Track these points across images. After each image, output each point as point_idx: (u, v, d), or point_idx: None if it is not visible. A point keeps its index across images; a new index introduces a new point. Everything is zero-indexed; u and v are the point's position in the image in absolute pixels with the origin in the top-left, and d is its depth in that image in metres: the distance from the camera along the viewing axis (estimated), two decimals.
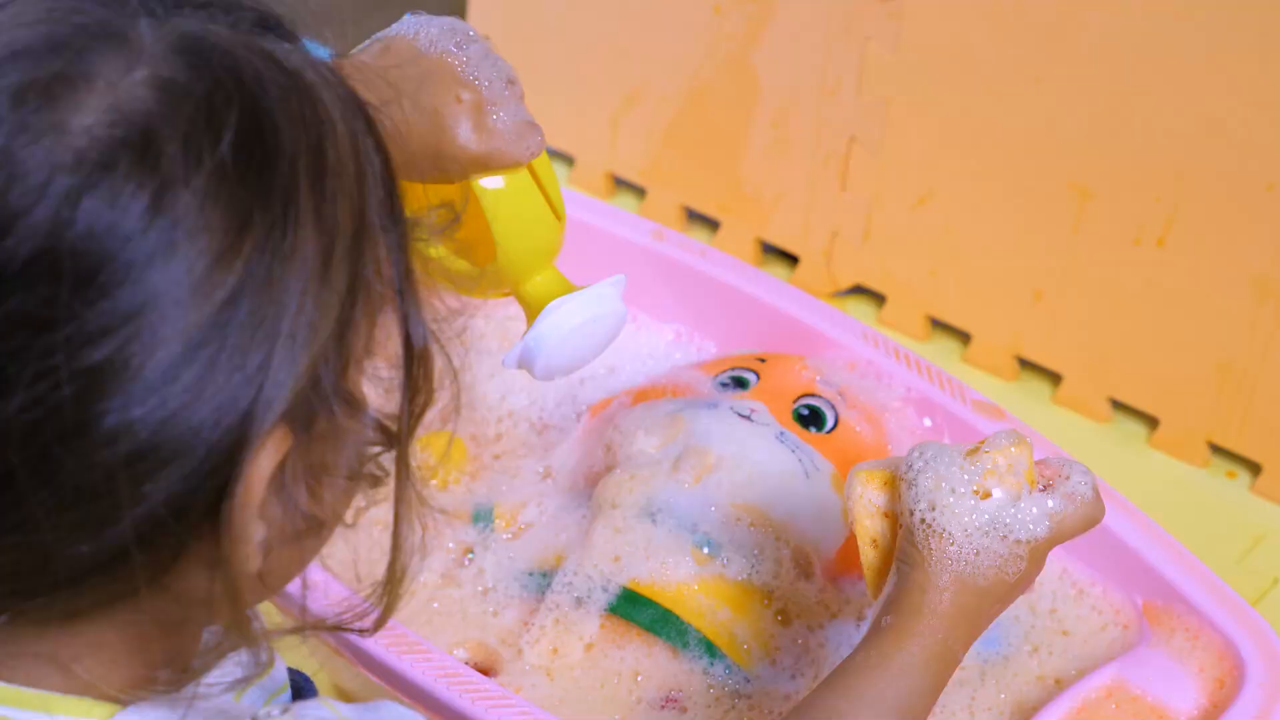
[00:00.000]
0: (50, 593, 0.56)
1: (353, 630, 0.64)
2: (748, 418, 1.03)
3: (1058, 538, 0.81)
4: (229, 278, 0.53)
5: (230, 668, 0.61)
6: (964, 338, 1.32)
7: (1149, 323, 1.21)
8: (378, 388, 0.61)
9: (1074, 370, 1.27)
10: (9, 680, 0.59)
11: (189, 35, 0.56)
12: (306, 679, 0.73)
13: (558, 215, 0.92)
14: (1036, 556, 0.81)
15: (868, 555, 0.84)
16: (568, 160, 1.48)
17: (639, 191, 1.47)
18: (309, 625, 0.63)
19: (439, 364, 0.62)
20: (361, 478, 0.61)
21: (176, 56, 0.55)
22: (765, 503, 1.00)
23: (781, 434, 1.02)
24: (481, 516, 1.06)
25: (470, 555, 1.04)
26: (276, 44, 0.58)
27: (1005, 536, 0.80)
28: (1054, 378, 1.29)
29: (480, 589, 1.02)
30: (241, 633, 0.58)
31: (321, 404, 0.56)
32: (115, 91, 0.53)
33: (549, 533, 1.03)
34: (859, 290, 1.37)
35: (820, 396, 1.07)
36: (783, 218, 1.37)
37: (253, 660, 0.59)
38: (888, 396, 1.09)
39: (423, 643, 0.92)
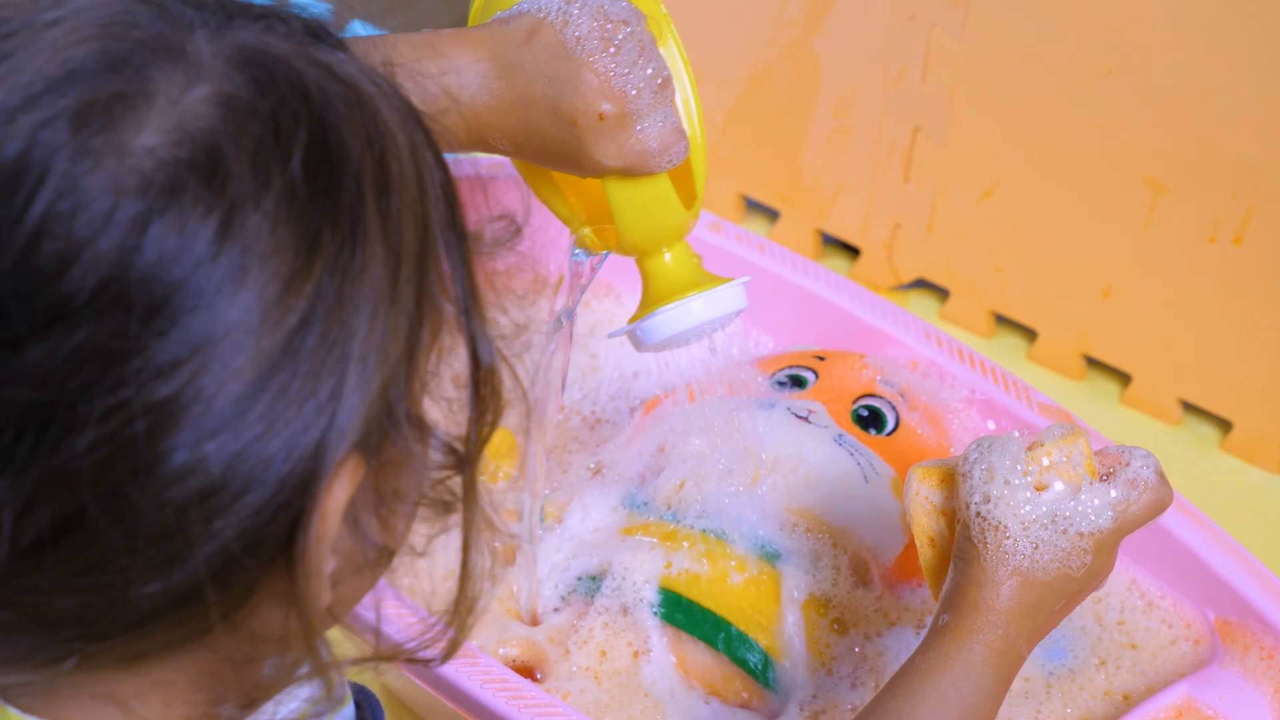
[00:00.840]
0: (119, 635, 0.53)
1: (420, 661, 0.61)
2: (805, 419, 1.00)
3: (1124, 528, 0.78)
4: (300, 302, 0.51)
5: (292, 694, 0.59)
6: (1030, 335, 1.29)
7: (1223, 322, 1.17)
8: (441, 408, 0.59)
9: (1144, 370, 1.23)
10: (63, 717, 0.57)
11: (247, 48, 0.53)
12: (368, 694, 0.70)
13: (695, 197, 0.89)
14: (1103, 549, 0.78)
15: (926, 555, 0.81)
16: None
17: None
18: (379, 657, 0.61)
19: (506, 381, 0.60)
20: (429, 503, 0.59)
21: (237, 71, 0.52)
22: (822, 507, 0.97)
23: (840, 436, 0.99)
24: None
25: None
26: (331, 54, 0.56)
27: (1066, 530, 0.76)
28: (1123, 378, 1.25)
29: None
30: (317, 669, 0.56)
31: (393, 429, 0.55)
32: (177, 110, 0.51)
33: (598, 534, 1.01)
34: (921, 284, 1.33)
35: (880, 397, 1.04)
36: (844, 209, 1.33)
37: (324, 694, 0.58)
38: (950, 397, 1.06)
39: (469, 646, 0.90)
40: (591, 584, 0.97)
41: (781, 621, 0.94)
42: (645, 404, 1.09)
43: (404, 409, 0.55)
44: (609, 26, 0.82)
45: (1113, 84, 1.14)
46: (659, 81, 0.83)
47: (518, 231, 0.80)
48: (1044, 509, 0.77)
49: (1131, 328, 1.22)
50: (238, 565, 0.52)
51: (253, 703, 0.58)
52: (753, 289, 1.16)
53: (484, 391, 0.59)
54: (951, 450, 1.04)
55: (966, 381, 1.06)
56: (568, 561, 0.99)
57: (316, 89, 0.53)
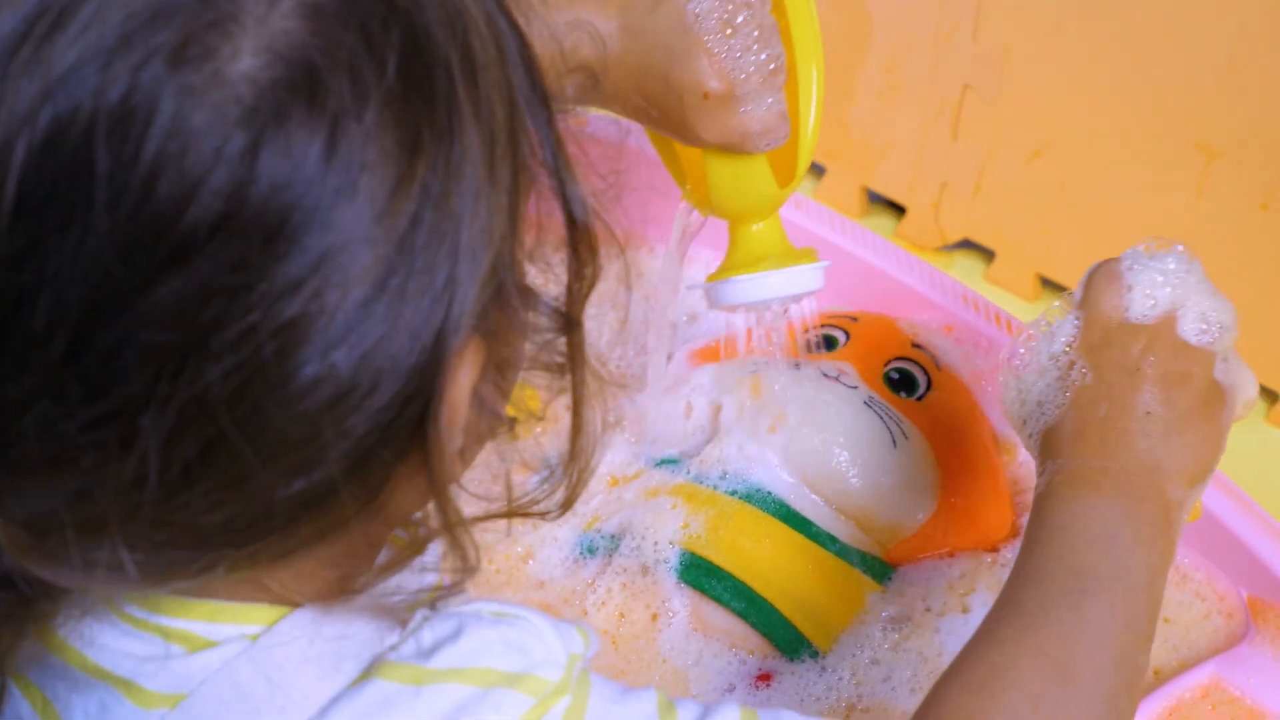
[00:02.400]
0: (266, 538, 0.55)
1: (539, 515, 0.63)
2: (835, 379, 0.99)
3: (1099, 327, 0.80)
4: (408, 203, 0.52)
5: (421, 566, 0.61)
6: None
7: (1273, 292, 1.14)
8: (541, 270, 0.60)
9: None
10: (187, 595, 0.59)
11: None
12: None
13: (794, 176, 0.90)
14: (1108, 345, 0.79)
15: None
16: None
17: None
18: (499, 514, 0.62)
19: (602, 236, 0.61)
20: (541, 367, 0.61)
21: None
22: (848, 470, 0.95)
23: (870, 398, 0.98)
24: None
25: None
26: None
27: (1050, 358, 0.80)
28: None
29: (544, 545, 0.99)
30: (451, 541, 0.57)
31: (503, 303, 0.56)
32: (265, 28, 0.51)
33: (618, 493, 1.00)
34: (967, 245, 1.31)
35: (913, 360, 1.02)
36: (891, 167, 1.31)
37: (459, 561, 0.59)
38: (985, 363, 1.04)
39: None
40: (611, 542, 0.96)
41: (802, 586, 0.93)
42: (694, 352, 1.07)
43: (512, 281, 0.56)
44: (730, 7, 0.83)
45: (1168, 45, 1.11)
46: (771, 68, 0.84)
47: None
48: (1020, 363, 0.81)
49: None
50: (372, 457, 0.53)
51: (384, 573, 0.60)
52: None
53: (581, 249, 0.60)
54: (984, 415, 1.02)
55: (1004, 347, 1.04)
56: (585, 520, 0.98)
57: None
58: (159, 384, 0.50)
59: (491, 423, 0.60)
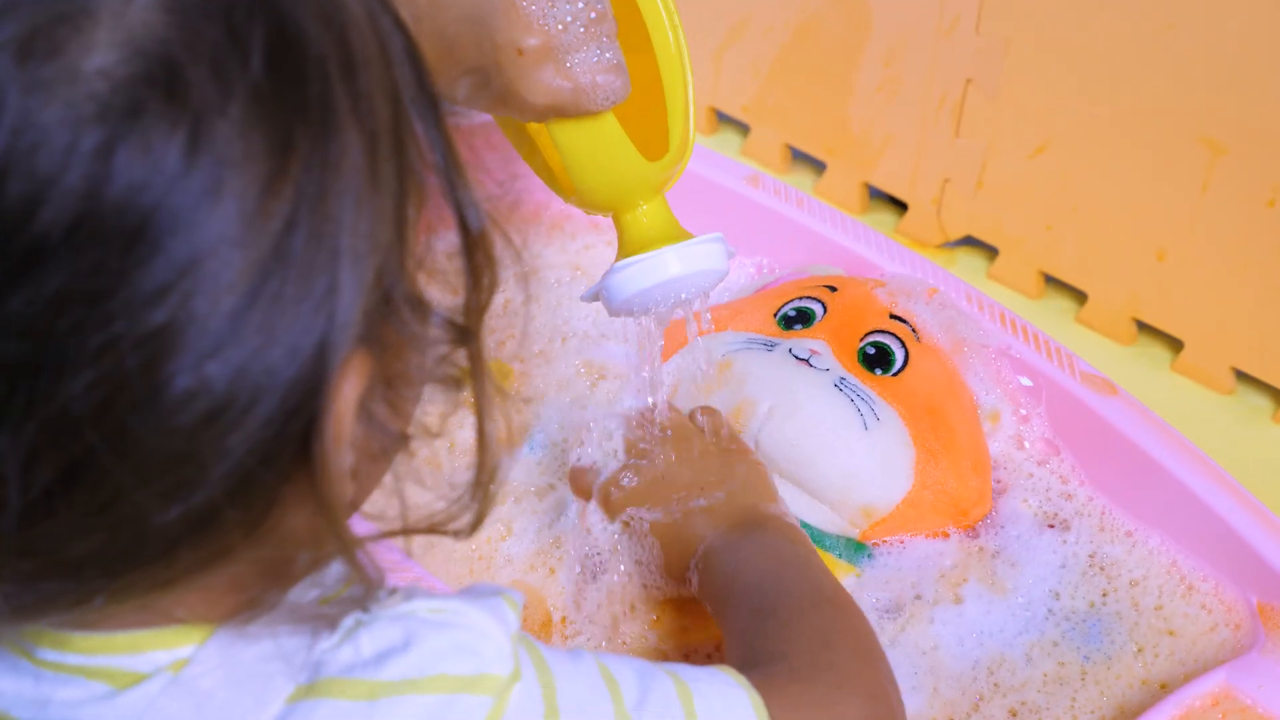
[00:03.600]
0: (144, 567, 0.52)
1: (448, 533, 0.60)
2: (806, 360, 0.97)
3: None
4: (281, 205, 0.49)
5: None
6: (1080, 297, 1.24)
7: (1278, 289, 1.13)
8: (438, 281, 0.57)
9: (1196, 337, 1.18)
10: (100, 629, 0.56)
11: None
12: None
13: (668, 149, 0.83)
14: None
15: None
16: None
17: (742, 128, 1.40)
18: (405, 530, 0.59)
19: (499, 244, 0.58)
20: (438, 381, 0.58)
21: None
22: (818, 457, 0.93)
23: (841, 380, 0.96)
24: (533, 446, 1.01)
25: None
26: None
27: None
28: (1174, 344, 1.21)
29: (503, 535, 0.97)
30: (350, 562, 0.55)
31: (392, 314, 0.53)
32: (123, 21, 0.48)
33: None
34: (970, 242, 1.29)
35: (890, 333, 1.00)
36: (892, 162, 1.29)
37: (357, 578, 0.56)
38: (967, 330, 1.02)
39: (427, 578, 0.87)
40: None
41: None
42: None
43: (401, 291, 0.53)
44: None
45: (1173, 39, 1.10)
46: (592, 15, 0.78)
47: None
48: None
49: (1185, 292, 1.17)
50: (255, 479, 0.51)
51: (289, 583, 0.58)
52: (794, 244, 1.13)
53: (478, 258, 0.57)
54: (966, 384, 1.01)
55: (1009, 346, 1.02)
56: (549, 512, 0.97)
57: None
58: (13, 399, 0.47)
59: (387, 441, 0.57)
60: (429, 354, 0.57)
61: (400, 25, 0.55)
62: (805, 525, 0.94)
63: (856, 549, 0.95)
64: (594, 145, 0.81)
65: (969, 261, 1.28)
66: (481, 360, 0.58)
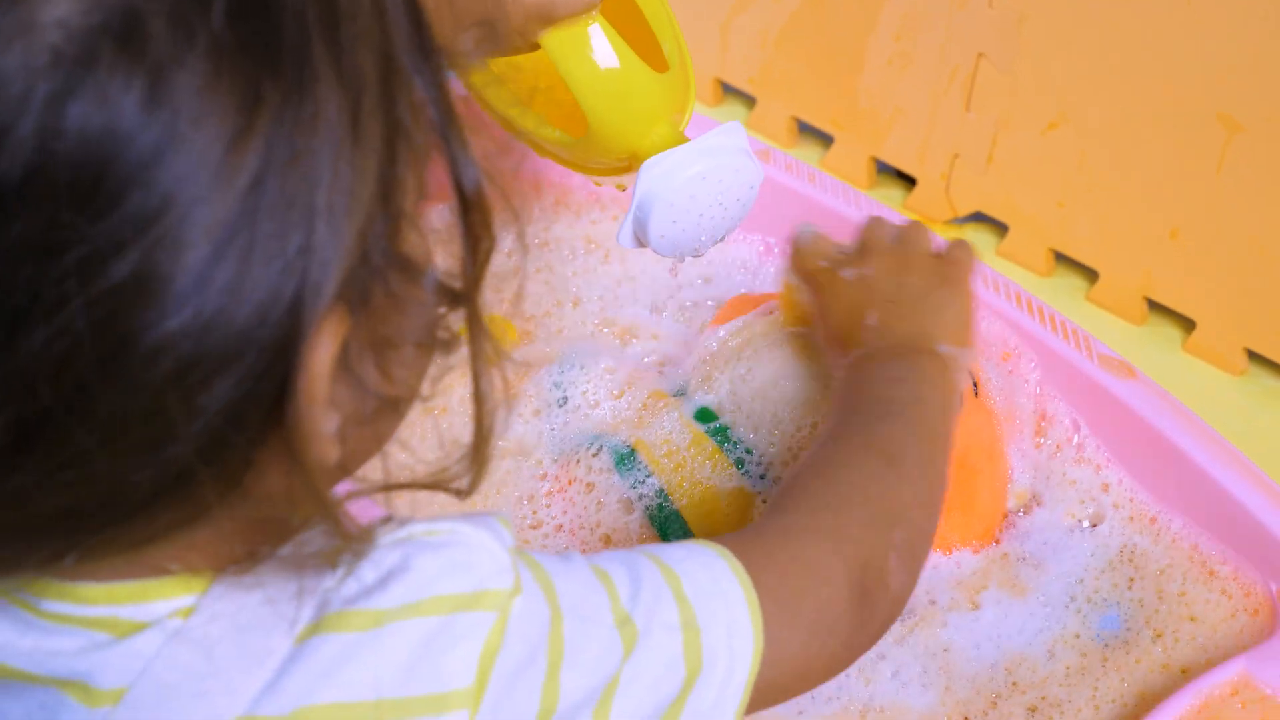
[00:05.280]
0: (117, 525, 0.51)
1: (449, 491, 0.59)
2: None
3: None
4: (248, 159, 0.48)
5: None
6: (1091, 275, 1.23)
7: None
8: (432, 241, 0.56)
9: (1209, 317, 1.17)
10: (103, 579, 0.55)
11: None
12: None
13: (667, 64, 0.82)
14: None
15: None
16: None
17: (748, 100, 1.38)
18: (403, 484, 0.58)
19: (498, 205, 0.57)
20: (432, 344, 0.57)
21: None
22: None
23: None
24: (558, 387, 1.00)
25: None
26: None
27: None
28: (1187, 324, 1.19)
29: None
30: (334, 526, 0.54)
31: (375, 275, 0.52)
32: None
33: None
34: (979, 218, 1.28)
35: None
36: (901, 136, 1.28)
37: (349, 549, 0.56)
38: (989, 330, 1.01)
39: None
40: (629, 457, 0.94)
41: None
42: (720, 310, 1.04)
43: (385, 252, 0.52)
44: None
45: (1189, 14, 1.08)
46: None
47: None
48: None
49: (1198, 272, 1.16)
50: (228, 439, 0.50)
51: (281, 540, 0.57)
52: (804, 218, 1.12)
53: (473, 218, 0.56)
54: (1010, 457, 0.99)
55: (1021, 325, 1.01)
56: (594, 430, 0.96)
57: None
58: None
59: (376, 405, 0.56)
60: (420, 316, 0.56)
61: None
62: None
63: None
64: (593, 53, 0.80)
65: (978, 238, 1.27)
66: (479, 320, 0.57)
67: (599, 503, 0.93)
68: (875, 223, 0.95)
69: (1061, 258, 1.24)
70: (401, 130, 0.53)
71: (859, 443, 0.80)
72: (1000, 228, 1.26)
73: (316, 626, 0.56)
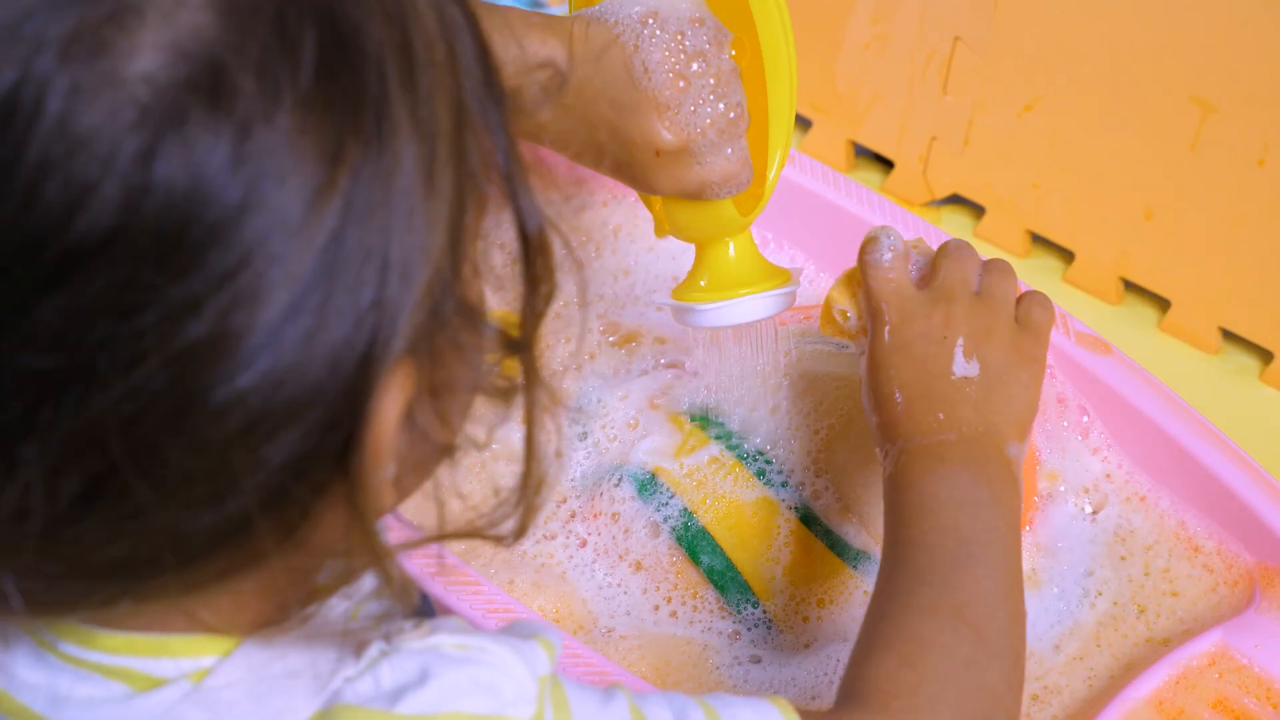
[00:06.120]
0: (171, 573, 0.51)
1: (490, 539, 0.58)
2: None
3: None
4: (327, 218, 0.47)
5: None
6: (1067, 256, 1.24)
7: (1268, 249, 1.13)
8: (491, 285, 0.55)
9: (1184, 297, 1.18)
10: (126, 629, 0.55)
11: None
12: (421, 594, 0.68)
13: (762, 198, 0.86)
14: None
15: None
16: None
17: None
18: (445, 535, 0.58)
19: (559, 251, 0.56)
20: (487, 390, 0.56)
21: None
22: (860, 469, 0.93)
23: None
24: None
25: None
26: None
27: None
28: (1162, 304, 1.21)
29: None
30: (382, 575, 0.54)
31: (444, 325, 0.51)
32: (171, 22, 0.46)
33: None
34: (956, 200, 1.29)
35: None
36: (878, 120, 1.28)
37: (393, 598, 0.56)
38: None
39: (471, 573, 0.87)
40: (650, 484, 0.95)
41: (792, 586, 0.91)
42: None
43: (452, 301, 0.52)
44: (682, 57, 0.78)
45: None
46: (731, 116, 0.79)
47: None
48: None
49: (1173, 252, 1.17)
50: (290, 491, 0.49)
51: (318, 598, 0.57)
52: (783, 202, 1.12)
53: (535, 264, 0.55)
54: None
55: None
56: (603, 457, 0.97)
57: None
58: (40, 411, 0.46)
59: (431, 451, 0.56)
60: (480, 364, 0.55)
61: (470, 17, 0.53)
62: (830, 533, 0.93)
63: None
64: (704, 214, 0.84)
65: (955, 220, 1.28)
66: (535, 368, 0.57)
67: (626, 530, 0.93)
68: (959, 254, 0.85)
69: (1038, 239, 1.25)
70: (471, 178, 0.52)
71: (943, 610, 0.72)
72: (977, 210, 1.27)
73: (326, 715, 0.55)
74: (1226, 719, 0.83)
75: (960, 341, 0.80)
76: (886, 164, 1.32)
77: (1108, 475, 0.97)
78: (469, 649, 0.57)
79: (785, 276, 0.88)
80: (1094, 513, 0.95)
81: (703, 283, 0.88)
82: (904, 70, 1.24)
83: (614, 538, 0.93)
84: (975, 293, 0.83)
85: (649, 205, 0.92)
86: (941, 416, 0.78)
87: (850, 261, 1.02)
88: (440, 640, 0.57)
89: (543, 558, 0.93)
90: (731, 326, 0.89)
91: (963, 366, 0.79)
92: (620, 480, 0.94)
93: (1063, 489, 0.96)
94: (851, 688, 0.70)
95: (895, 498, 0.78)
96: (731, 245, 0.87)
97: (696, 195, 0.81)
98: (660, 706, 0.63)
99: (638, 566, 0.92)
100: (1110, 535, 0.94)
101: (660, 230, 0.90)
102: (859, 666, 0.71)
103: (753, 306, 0.87)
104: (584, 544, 0.93)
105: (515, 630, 0.60)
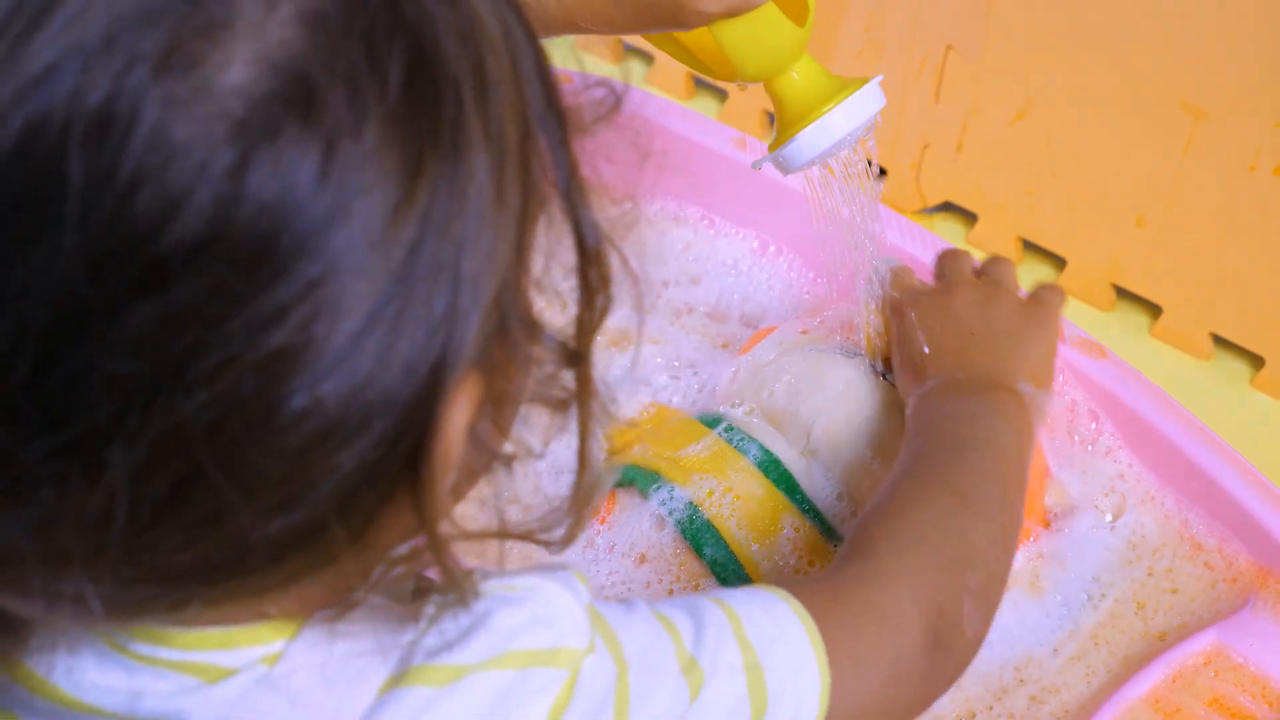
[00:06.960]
0: (241, 578, 0.52)
1: (541, 543, 0.60)
2: (883, 375, 0.98)
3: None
4: (407, 230, 0.48)
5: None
6: (1059, 263, 1.25)
7: (1259, 256, 1.13)
8: (548, 298, 0.56)
9: (1175, 303, 1.19)
10: (194, 625, 0.56)
11: None
12: None
13: (807, 9, 0.87)
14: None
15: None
16: (647, 58, 1.41)
17: (719, 94, 1.40)
18: (499, 534, 0.58)
19: (615, 263, 0.57)
20: (543, 401, 0.58)
21: None
22: (861, 458, 0.94)
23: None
24: None
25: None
26: None
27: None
28: (1153, 310, 1.21)
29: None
30: (445, 573, 0.55)
31: (506, 335, 0.52)
32: (261, 36, 0.47)
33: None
34: (949, 207, 1.30)
35: None
36: None
37: (453, 590, 0.57)
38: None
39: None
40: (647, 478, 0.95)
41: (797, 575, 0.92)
42: (751, 337, 1.05)
43: (517, 311, 0.53)
44: None
45: (1155, 2, 1.10)
46: None
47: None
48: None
49: (1164, 258, 1.18)
50: (361, 496, 0.51)
51: (376, 590, 0.57)
52: (778, 205, 1.13)
53: (591, 277, 0.56)
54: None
55: None
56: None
57: None
58: (127, 416, 0.47)
59: (487, 459, 0.57)
60: (537, 374, 0.57)
61: (532, 38, 0.55)
62: (832, 530, 0.94)
63: None
64: (756, 32, 0.85)
65: (948, 227, 1.29)
66: (589, 380, 0.58)
67: (632, 526, 0.93)
68: (956, 255, 0.95)
69: (1030, 245, 1.26)
70: (535, 191, 0.54)
71: (934, 481, 0.80)
72: (969, 217, 1.28)
73: (399, 679, 0.57)
74: (1222, 716, 0.83)
75: (971, 308, 0.91)
76: (880, 172, 1.32)
77: (1121, 475, 0.98)
78: (519, 588, 0.59)
79: (860, 81, 0.90)
80: (1114, 519, 0.96)
81: (789, 120, 0.90)
82: (896, 77, 1.25)
83: (620, 532, 0.93)
84: (979, 278, 0.94)
85: (702, 61, 0.91)
86: (953, 363, 0.88)
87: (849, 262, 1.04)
88: (492, 585, 0.59)
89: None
90: (830, 154, 0.90)
91: (970, 324, 0.90)
92: (625, 474, 0.95)
93: (1076, 496, 0.97)
94: (846, 548, 0.78)
95: (913, 420, 0.87)
96: (795, 72, 0.89)
97: (743, 5, 0.82)
98: (675, 607, 0.66)
99: (642, 559, 0.92)
100: (1124, 543, 0.95)
101: (734, 79, 0.91)
102: (854, 532, 0.79)
103: (840, 119, 0.88)
104: (590, 543, 0.94)
105: (542, 567, 0.62)
